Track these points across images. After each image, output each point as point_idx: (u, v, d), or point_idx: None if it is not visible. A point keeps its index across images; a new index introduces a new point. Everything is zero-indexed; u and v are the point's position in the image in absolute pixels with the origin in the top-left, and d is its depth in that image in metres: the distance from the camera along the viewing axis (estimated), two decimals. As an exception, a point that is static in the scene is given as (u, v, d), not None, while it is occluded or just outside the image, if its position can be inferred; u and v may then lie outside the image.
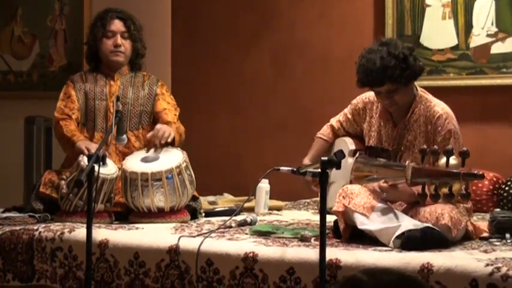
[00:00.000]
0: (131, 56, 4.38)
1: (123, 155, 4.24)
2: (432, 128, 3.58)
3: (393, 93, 3.55)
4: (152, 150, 4.14)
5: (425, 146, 3.17)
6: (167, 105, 4.36)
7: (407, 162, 3.25)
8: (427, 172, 3.07)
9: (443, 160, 3.03)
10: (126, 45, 4.34)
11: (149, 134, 4.16)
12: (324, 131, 4.03)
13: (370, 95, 3.82)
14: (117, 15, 4.35)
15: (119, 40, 4.31)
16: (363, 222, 3.42)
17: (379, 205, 3.43)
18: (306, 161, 3.94)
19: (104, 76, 4.37)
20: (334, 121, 4.00)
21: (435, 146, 3.16)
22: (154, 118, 4.36)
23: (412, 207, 3.54)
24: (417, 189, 3.27)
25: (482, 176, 2.96)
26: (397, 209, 3.52)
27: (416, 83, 3.74)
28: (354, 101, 3.89)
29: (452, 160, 3.00)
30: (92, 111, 4.32)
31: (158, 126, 4.17)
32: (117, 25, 4.33)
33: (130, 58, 4.38)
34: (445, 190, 2.97)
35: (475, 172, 2.94)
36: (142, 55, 4.42)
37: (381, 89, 3.54)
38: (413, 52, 3.60)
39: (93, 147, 4.06)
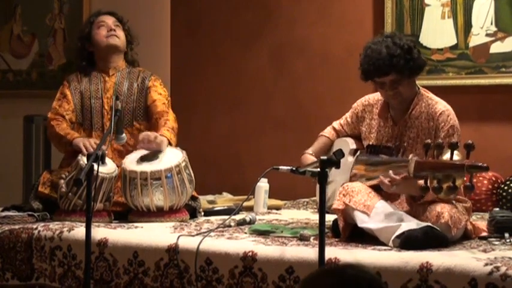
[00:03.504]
0: (126, 49, 4.39)
1: (118, 153, 4.24)
2: (434, 125, 3.58)
3: (397, 84, 3.55)
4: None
5: (429, 140, 3.16)
6: (158, 96, 4.32)
7: (410, 156, 3.25)
8: (431, 165, 3.07)
9: (446, 155, 3.03)
10: (119, 31, 4.36)
11: (140, 136, 4.11)
12: (327, 131, 4.03)
13: (370, 97, 3.82)
14: (104, 11, 4.41)
15: (112, 25, 4.34)
16: (363, 220, 3.41)
17: (380, 203, 3.43)
18: (309, 151, 3.93)
19: (98, 73, 4.37)
20: (336, 124, 4.01)
21: (439, 140, 3.16)
22: (147, 111, 4.33)
23: (412, 206, 3.55)
24: None
25: (486, 168, 2.96)
26: (397, 207, 3.52)
27: (416, 82, 3.74)
28: (355, 105, 3.89)
29: (456, 156, 3.00)
30: (88, 110, 4.32)
31: (142, 134, 4.10)
32: (108, 17, 4.38)
33: (125, 52, 4.39)
34: (448, 183, 2.97)
35: (479, 164, 2.93)
36: (132, 49, 4.42)
37: (385, 79, 3.54)
38: (416, 46, 3.62)
39: (91, 142, 4.06)
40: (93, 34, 4.34)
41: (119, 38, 4.35)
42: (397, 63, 3.50)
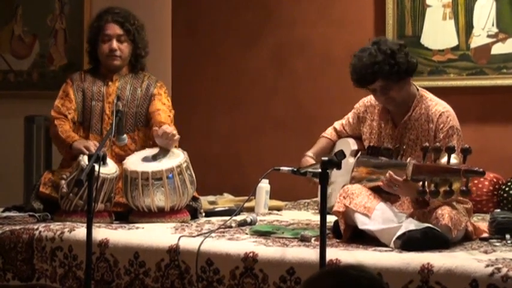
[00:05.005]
0: (130, 58, 4.35)
1: (118, 158, 4.23)
2: (434, 126, 3.58)
3: (387, 89, 3.55)
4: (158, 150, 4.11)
5: (427, 144, 3.16)
6: (162, 106, 4.30)
7: (408, 159, 3.25)
8: (428, 169, 3.07)
9: (444, 159, 3.04)
10: (122, 48, 4.29)
11: (160, 131, 4.03)
12: (328, 132, 4.04)
13: (372, 98, 3.82)
14: (113, 19, 4.28)
15: (114, 44, 4.26)
16: (364, 222, 3.42)
17: (380, 205, 3.43)
18: (309, 153, 3.93)
19: (102, 76, 4.36)
20: (337, 124, 4.01)
21: (437, 143, 3.16)
22: (148, 118, 4.32)
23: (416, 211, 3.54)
24: None
25: (483, 173, 2.97)
26: (398, 209, 3.52)
27: (416, 84, 3.74)
28: (357, 105, 3.89)
29: (453, 159, 3.00)
30: (88, 111, 4.31)
31: (165, 126, 4.06)
32: (114, 28, 4.27)
33: (130, 60, 4.36)
34: (445, 187, 2.98)
35: (476, 169, 2.94)
36: (142, 56, 4.39)
37: (374, 86, 3.55)
38: (405, 48, 3.59)
39: (91, 145, 4.06)
40: (98, 44, 4.29)
41: (120, 58, 4.29)
42: (379, 69, 3.49)
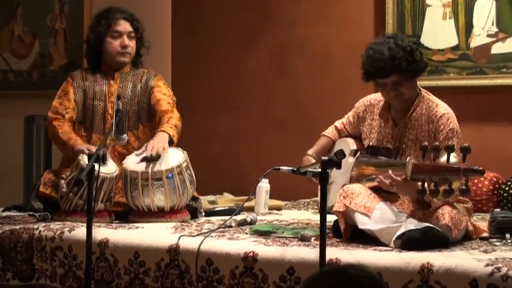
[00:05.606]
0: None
1: (121, 156, 4.23)
2: (434, 127, 3.58)
3: (399, 85, 3.55)
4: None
5: (426, 143, 3.17)
6: (162, 96, 4.29)
7: (408, 158, 3.25)
8: (427, 168, 3.07)
9: (443, 158, 3.04)
10: (132, 45, 4.31)
11: (140, 150, 4.10)
12: (329, 131, 4.03)
13: (371, 97, 3.82)
14: (123, 16, 4.30)
15: (126, 41, 4.28)
16: (364, 222, 3.42)
17: (380, 205, 3.43)
18: (310, 152, 3.93)
19: (104, 75, 4.35)
20: (338, 123, 4.01)
21: (436, 143, 3.16)
22: (151, 112, 4.33)
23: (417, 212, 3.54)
24: None
25: (482, 172, 2.97)
26: (398, 208, 3.52)
27: (417, 84, 3.75)
28: (357, 104, 3.89)
29: (453, 158, 3.00)
30: (90, 111, 4.30)
31: (149, 143, 4.08)
32: (124, 25, 4.30)
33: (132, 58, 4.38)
34: (445, 186, 2.98)
35: (475, 167, 2.95)
36: (142, 54, 4.41)
37: (387, 81, 3.54)
38: (418, 47, 3.63)
39: (94, 149, 4.04)
40: (106, 41, 4.28)
41: (130, 54, 4.31)
42: (399, 65, 3.50)
